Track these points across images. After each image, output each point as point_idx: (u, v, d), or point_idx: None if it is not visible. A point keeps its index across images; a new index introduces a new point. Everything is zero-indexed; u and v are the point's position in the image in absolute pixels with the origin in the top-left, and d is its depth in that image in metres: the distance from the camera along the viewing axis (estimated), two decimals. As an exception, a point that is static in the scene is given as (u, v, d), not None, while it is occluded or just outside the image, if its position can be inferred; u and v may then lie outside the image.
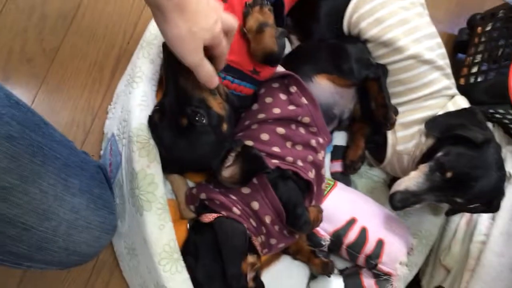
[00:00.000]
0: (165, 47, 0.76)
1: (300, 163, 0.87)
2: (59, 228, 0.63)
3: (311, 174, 0.90)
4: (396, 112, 1.02)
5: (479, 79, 1.16)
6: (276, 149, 0.86)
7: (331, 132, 1.06)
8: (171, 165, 0.81)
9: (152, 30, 0.87)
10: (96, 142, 1.02)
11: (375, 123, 1.03)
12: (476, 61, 1.21)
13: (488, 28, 1.23)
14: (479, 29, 1.26)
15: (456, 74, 1.14)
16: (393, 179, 1.12)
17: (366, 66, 0.98)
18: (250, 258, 0.79)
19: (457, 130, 0.90)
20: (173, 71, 0.74)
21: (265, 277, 0.92)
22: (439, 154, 0.90)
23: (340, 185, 1.04)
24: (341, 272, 1.05)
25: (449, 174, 0.87)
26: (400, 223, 1.04)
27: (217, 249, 0.75)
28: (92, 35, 1.05)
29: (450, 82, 1.01)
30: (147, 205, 0.76)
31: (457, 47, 1.37)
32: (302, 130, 0.91)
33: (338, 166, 1.13)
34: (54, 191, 0.63)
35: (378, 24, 0.98)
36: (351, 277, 1.01)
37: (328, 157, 1.13)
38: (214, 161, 0.78)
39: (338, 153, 1.14)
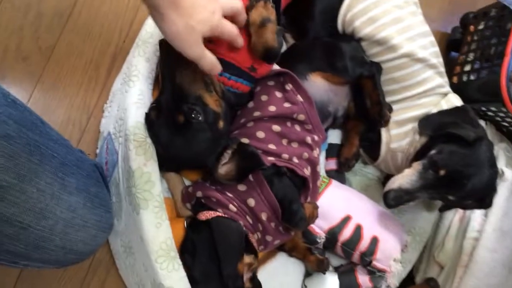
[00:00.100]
0: (162, 45, 0.76)
1: (295, 160, 0.88)
2: (56, 226, 0.64)
3: (307, 171, 0.90)
4: (391, 110, 1.03)
5: (472, 77, 1.16)
6: (272, 146, 0.87)
7: (326, 130, 1.06)
8: (167, 162, 0.81)
9: (148, 28, 0.87)
10: (92, 141, 1.01)
11: (369, 120, 1.04)
12: (469, 59, 1.22)
13: (481, 26, 1.24)
14: (472, 27, 1.27)
15: (449, 72, 1.15)
16: (387, 177, 1.13)
17: (361, 64, 0.99)
18: (247, 259, 0.79)
19: (450, 128, 0.91)
20: (169, 69, 0.74)
21: (261, 274, 0.92)
22: (432, 152, 0.91)
23: (335, 183, 1.05)
24: (336, 269, 1.06)
25: (442, 172, 0.88)
26: (394, 220, 1.05)
27: (214, 248, 0.75)
28: (88, 33, 1.05)
29: (443, 80, 1.02)
30: (144, 203, 0.76)
31: (450, 46, 1.37)
32: (297, 128, 0.92)
33: (332, 164, 1.13)
34: (51, 190, 0.63)
35: (372, 23, 0.98)
36: (346, 274, 1.02)
37: (323, 155, 1.13)
38: (210, 158, 0.78)
39: (332, 151, 1.14)
